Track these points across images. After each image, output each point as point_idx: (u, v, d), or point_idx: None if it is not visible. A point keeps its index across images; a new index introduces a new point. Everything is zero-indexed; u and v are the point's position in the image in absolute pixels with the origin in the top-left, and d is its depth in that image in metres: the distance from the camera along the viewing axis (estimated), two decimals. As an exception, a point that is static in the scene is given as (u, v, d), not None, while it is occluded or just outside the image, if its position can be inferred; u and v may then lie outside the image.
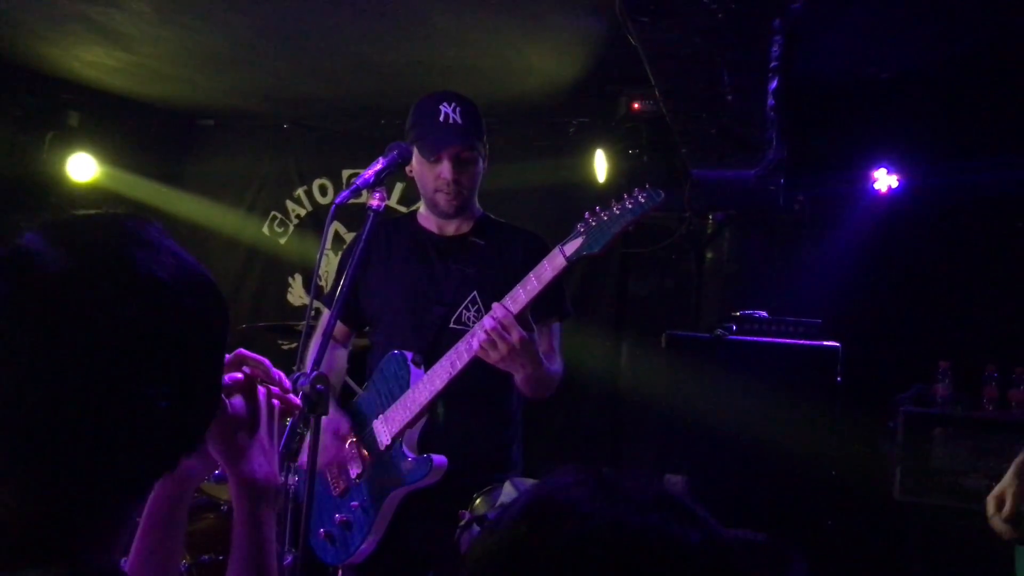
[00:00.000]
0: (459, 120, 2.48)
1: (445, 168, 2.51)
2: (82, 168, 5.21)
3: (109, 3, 3.76)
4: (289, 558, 2.50)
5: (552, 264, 2.20)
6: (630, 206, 2.11)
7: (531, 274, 2.22)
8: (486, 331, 2.20)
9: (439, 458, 2.37)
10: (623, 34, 2.73)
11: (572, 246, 2.16)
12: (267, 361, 1.33)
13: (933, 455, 4.00)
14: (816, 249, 4.79)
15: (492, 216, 2.73)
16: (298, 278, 5.69)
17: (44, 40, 4.35)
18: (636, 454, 4.97)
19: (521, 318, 2.23)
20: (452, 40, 3.98)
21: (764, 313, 4.20)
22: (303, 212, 5.70)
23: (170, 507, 1.27)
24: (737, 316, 4.18)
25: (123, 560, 1.29)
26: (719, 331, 4.10)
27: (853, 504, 4.13)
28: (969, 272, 4.57)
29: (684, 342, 4.19)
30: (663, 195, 2.09)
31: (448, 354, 2.34)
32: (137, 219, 0.94)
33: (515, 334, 2.19)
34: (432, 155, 2.51)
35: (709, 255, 5.02)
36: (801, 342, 4.02)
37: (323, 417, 2.10)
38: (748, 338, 4.09)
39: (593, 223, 2.15)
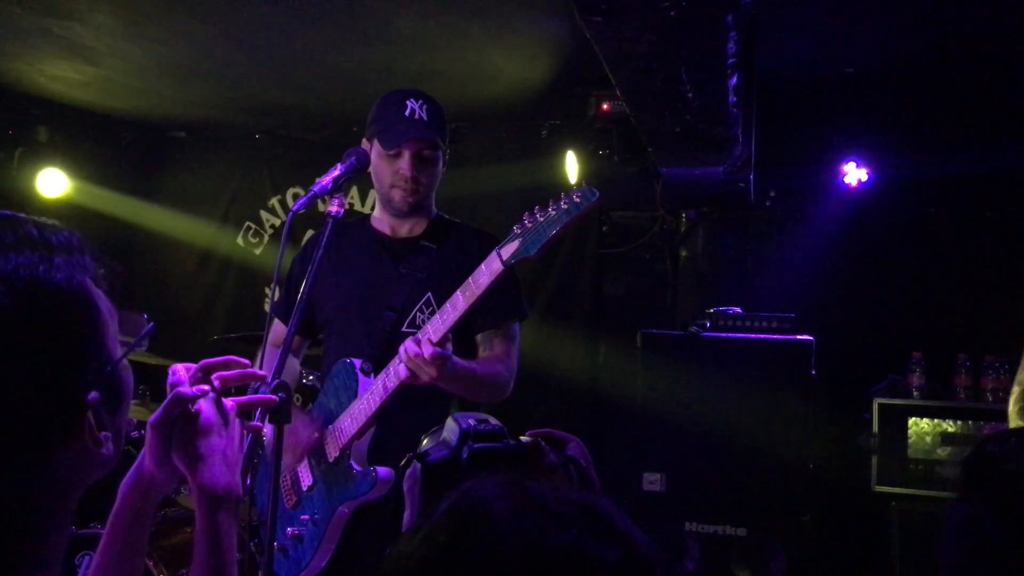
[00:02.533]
0: (424, 117, 2.44)
1: (405, 163, 2.45)
2: (52, 184, 5.18)
3: (70, 17, 3.75)
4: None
5: (489, 268, 2.12)
6: (565, 207, 2.03)
7: (469, 279, 2.15)
8: (407, 364, 2.15)
9: (384, 471, 2.29)
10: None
11: (509, 249, 2.08)
12: (235, 358, 1.35)
13: (909, 445, 4.04)
14: (788, 244, 4.82)
15: (447, 217, 2.66)
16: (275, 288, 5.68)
17: (8, 55, 4.33)
18: (614, 453, 4.97)
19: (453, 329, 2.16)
20: (419, 46, 3.98)
21: (738, 309, 4.22)
22: (278, 222, 5.69)
23: (132, 518, 1.27)
24: (711, 313, 4.20)
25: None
26: (693, 328, 4.12)
27: (831, 496, 4.16)
28: (939, 263, 4.62)
29: (659, 340, 4.21)
30: (598, 194, 2.02)
31: (385, 371, 2.27)
32: (16, 219, 0.94)
33: (433, 367, 2.12)
34: (393, 147, 2.44)
35: (683, 253, 5.04)
36: (775, 337, 4.04)
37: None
38: (723, 335, 4.11)
39: (529, 225, 2.07)
